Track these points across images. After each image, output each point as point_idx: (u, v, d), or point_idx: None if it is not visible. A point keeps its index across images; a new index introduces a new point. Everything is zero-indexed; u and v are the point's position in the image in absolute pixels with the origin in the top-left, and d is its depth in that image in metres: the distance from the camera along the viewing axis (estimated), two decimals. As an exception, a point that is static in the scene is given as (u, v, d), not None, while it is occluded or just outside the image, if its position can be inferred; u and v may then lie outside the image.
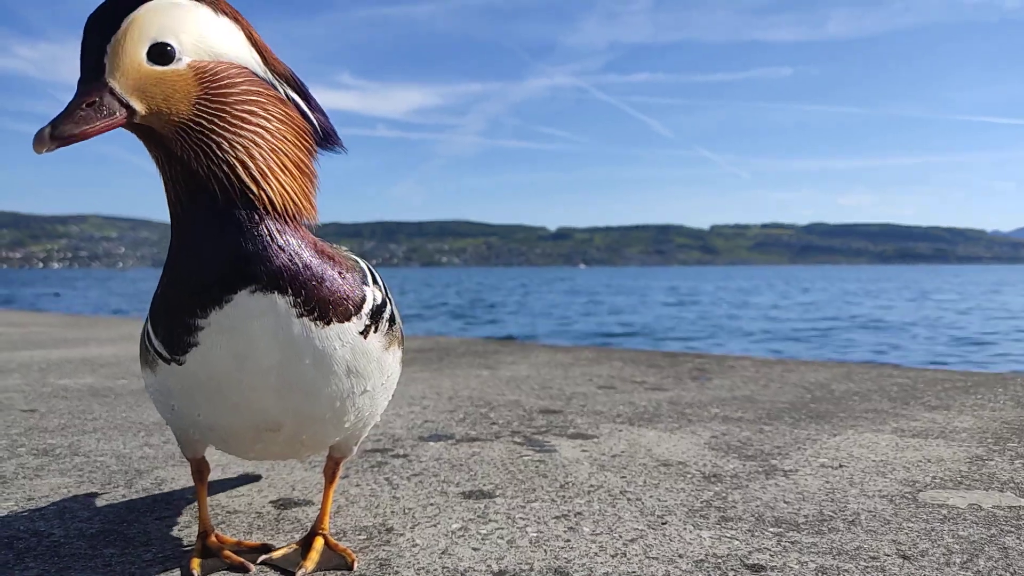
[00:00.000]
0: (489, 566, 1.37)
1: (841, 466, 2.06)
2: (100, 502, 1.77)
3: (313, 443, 1.30)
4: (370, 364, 1.21)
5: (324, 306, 1.14)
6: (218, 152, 1.08)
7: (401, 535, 1.55)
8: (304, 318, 1.12)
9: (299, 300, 1.11)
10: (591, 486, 1.88)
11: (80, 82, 1.03)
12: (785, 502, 1.75)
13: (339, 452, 1.44)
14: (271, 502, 1.78)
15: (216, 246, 1.08)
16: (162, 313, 1.13)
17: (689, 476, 1.97)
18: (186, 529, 1.59)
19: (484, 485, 1.89)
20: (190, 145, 1.08)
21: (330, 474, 1.48)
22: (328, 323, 1.14)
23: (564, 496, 1.80)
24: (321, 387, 1.18)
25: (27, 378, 3.78)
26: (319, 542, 1.42)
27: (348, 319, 1.16)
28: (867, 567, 1.37)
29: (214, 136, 1.08)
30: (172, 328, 1.12)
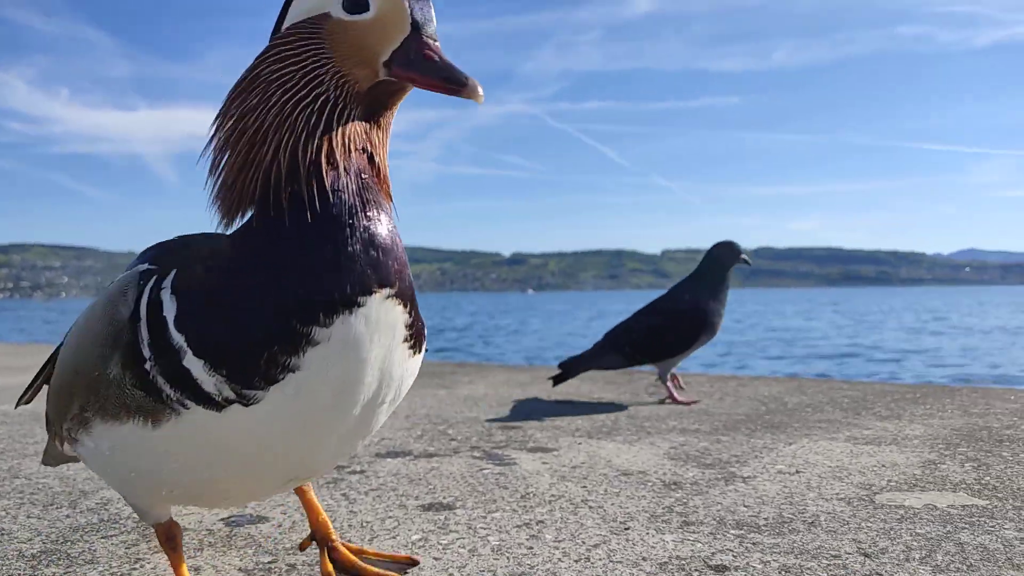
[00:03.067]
0: (451, 574, 1.34)
1: (798, 472, 2.07)
2: (41, 523, 1.69)
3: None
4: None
5: (421, 333, 0.97)
6: None
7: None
8: (406, 344, 0.94)
9: (410, 320, 0.93)
10: (552, 496, 1.86)
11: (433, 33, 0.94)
12: (745, 506, 1.75)
13: None
14: (222, 519, 1.72)
15: (354, 233, 0.87)
16: (241, 333, 0.84)
17: (650, 484, 1.96)
18: (134, 547, 1.52)
19: (444, 498, 1.86)
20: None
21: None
22: (418, 351, 0.98)
23: (525, 506, 1.78)
24: (377, 425, 1.02)
25: (-37, 404, 3.62)
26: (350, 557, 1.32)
27: (423, 349, 1.01)
28: (829, 565, 1.37)
29: None
30: (262, 350, 0.84)
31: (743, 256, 3.51)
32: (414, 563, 1.39)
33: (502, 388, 4.01)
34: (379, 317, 0.88)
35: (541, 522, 1.65)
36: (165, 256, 0.98)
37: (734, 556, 1.42)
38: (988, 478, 1.97)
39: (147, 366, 0.87)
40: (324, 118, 0.91)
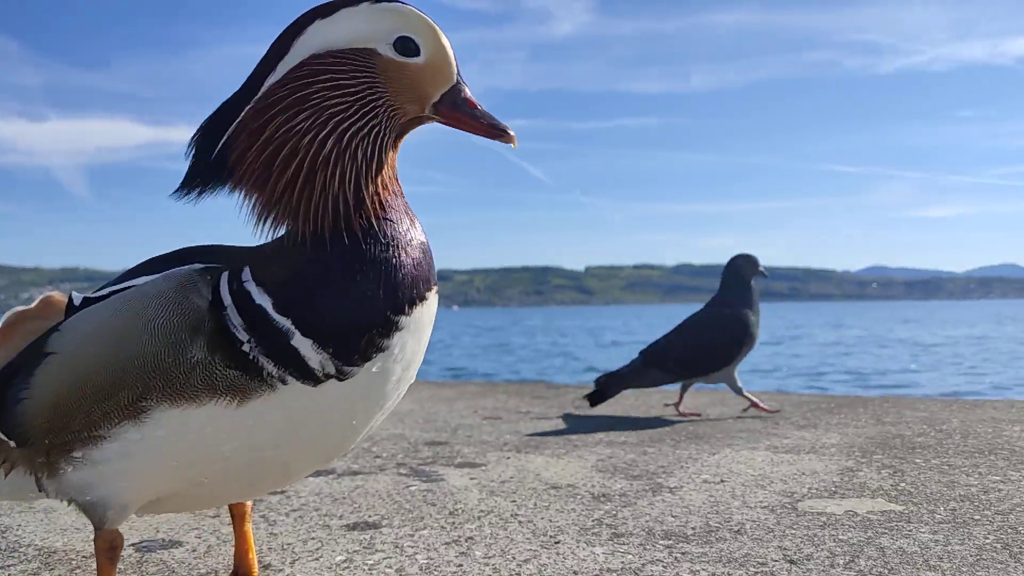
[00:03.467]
0: (378, 595, 1.30)
1: (723, 481, 2.10)
2: (-71, 555, 1.56)
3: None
4: None
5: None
6: None
7: (280, 571, 1.45)
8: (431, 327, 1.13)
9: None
10: (481, 511, 1.83)
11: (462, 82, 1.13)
12: (673, 516, 1.76)
13: None
14: (132, 544, 1.62)
15: (415, 245, 1.07)
16: (350, 318, 0.98)
17: (579, 497, 1.95)
18: (33, 578, 1.42)
19: (369, 516, 1.80)
20: None
21: (242, 509, 1.32)
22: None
23: (454, 523, 1.74)
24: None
25: None
26: None
27: None
28: (757, 572, 1.38)
29: None
30: (365, 332, 0.99)
31: (761, 268, 3.54)
32: None
33: (427, 404, 3.96)
34: (431, 307, 1.08)
35: (470, 538, 1.61)
36: (204, 259, 1.06)
37: (664, 567, 1.42)
38: (903, 484, 2.04)
39: (245, 347, 0.97)
40: (378, 149, 1.05)
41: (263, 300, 0.98)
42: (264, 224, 1.06)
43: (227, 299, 0.99)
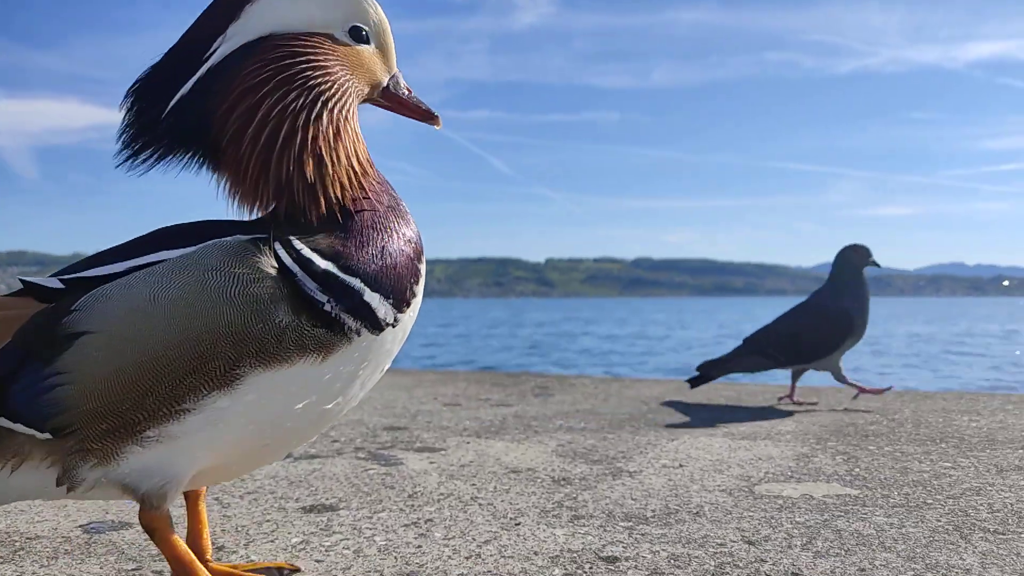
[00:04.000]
0: (335, 576, 1.27)
1: (681, 466, 2.11)
2: None
3: None
4: None
5: None
6: None
7: (234, 552, 1.41)
8: None
9: None
10: (441, 494, 1.81)
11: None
12: (633, 499, 1.76)
13: None
14: (80, 526, 1.57)
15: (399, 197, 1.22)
16: (400, 273, 1.11)
17: (539, 481, 1.94)
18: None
19: (326, 499, 1.77)
20: None
21: (197, 490, 1.26)
22: None
23: (413, 505, 1.72)
24: None
25: None
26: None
27: None
28: (716, 552, 1.39)
29: None
30: (409, 284, 1.13)
31: (872, 259, 3.53)
32: (295, 569, 1.31)
33: (387, 391, 3.92)
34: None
35: (430, 520, 1.59)
36: (224, 232, 1.07)
37: (624, 547, 1.41)
38: (858, 469, 2.07)
39: (327, 307, 1.05)
40: (357, 125, 1.16)
41: (327, 265, 1.06)
42: (261, 203, 1.11)
43: (294, 267, 1.05)
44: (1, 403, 1.03)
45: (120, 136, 1.10)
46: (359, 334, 1.08)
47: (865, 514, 1.64)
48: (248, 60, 1.08)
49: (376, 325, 1.09)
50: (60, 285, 1.06)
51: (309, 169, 1.08)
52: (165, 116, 1.07)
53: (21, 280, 1.09)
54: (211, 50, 1.08)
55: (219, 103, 1.07)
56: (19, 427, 1.03)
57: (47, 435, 1.03)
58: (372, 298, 1.08)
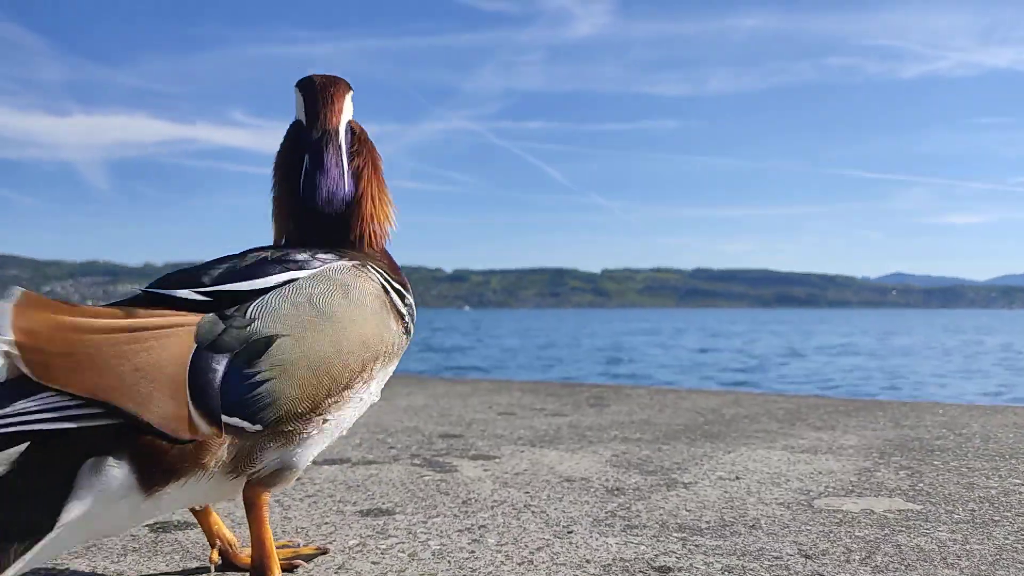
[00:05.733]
0: (390, 578, 1.30)
1: (738, 478, 2.08)
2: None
3: None
4: None
5: None
6: None
7: (294, 553, 1.45)
8: None
9: None
10: (494, 501, 1.82)
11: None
12: (687, 510, 1.75)
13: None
14: (147, 526, 1.63)
15: None
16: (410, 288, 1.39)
17: (592, 490, 1.94)
18: (50, 554, 1.43)
19: (383, 504, 1.81)
20: None
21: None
22: None
23: (467, 511, 1.74)
24: None
25: None
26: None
27: None
28: (772, 565, 1.37)
29: None
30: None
31: None
32: (323, 551, 1.45)
33: (443, 400, 3.96)
34: None
35: (483, 526, 1.61)
36: (314, 255, 1.27)
37: (677, 558, 1.41)
38: (921, 484, 2.01)
39: (406, 320, 1.34)
40: None
41: (398, 286, 1.33)
42: (369, 238, 1.37)
43: (389, 288, 1.31)
44: (214, 401, 1.09)
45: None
46: (410, 338, 1.36)
47: (927, 529, 1.59)
48: (354, 143, 1.38)
49: (410, 332, 1.36)
50: (201, 297, 1.15)
51: (387, 219, 1.40)
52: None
53: (145, 291, 1.18)
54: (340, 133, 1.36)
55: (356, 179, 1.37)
56: (234, 420, 1.11)
57: (257, 427, 1.13)
58: (410, 312, 1.36)
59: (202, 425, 1.08)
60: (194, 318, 1.12)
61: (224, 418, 1.09)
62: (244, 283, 1.17)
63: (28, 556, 1.00)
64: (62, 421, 1.01)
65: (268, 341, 1.14)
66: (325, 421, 1.21)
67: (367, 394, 1.28)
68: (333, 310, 1.21)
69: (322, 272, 1.23)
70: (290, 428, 1.17)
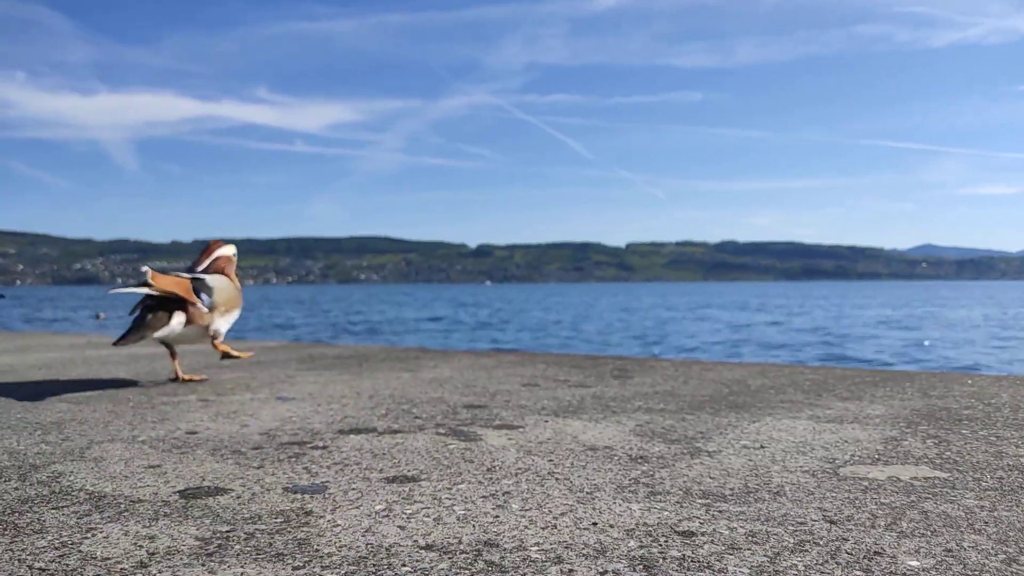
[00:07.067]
0: (416, 541, 1.32)
1: (762, 447, 2.08)
2: (-12, 495, 1.63)
3: None
4: None
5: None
6: None
7: (321, 517, 1.47)
8: None
9: None
10: (519, 468, 1.84)
11: None
12: (711, 478, 1.75)
13: None
14: (177, 491, 1.67)
15: None
16: None
17: (616, 458, 1.95)
18: (86, 518, 1.47)
19: (408, 471, 1.83)
20: None
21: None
22: None
23: (491, 478, 1.75)
24: None
25: (-92, 384, 3.49)
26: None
27: None
28: (795, 530, 1.37)
29: None
30: None
31: None
32: (249, 358, 3.60)
33: (467, 372, 3.99)
34: None
35: (507, 493, 1.63)
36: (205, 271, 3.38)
37: (701, 523, 1.41)
38: (949, 453, 2.00)
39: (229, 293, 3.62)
40: None
41: (234, 280, 2.87)
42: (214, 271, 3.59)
43: (234, 281, 2.94)
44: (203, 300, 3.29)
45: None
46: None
47: (954, 496, 1.58)
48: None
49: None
50: (191, 275, 3.34)
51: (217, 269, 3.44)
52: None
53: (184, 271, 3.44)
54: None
55: None
56: (207, 304, 3.29)
57: (210, 308, 3.33)
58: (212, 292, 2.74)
59: (200, 305, 3.22)
60: (188, 279, 3.16)
61: (203, 302, 3.24)
62: (200, 272, 3.39)
63: (155, 334, 3.08)
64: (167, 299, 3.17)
65: (211, 288, 3.27)
66: (224, 315, 3.35)
67: (232, 314, 3.29)
68: (225, 283, 3.36)
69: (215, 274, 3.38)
70: (219, 312, 3.28)
